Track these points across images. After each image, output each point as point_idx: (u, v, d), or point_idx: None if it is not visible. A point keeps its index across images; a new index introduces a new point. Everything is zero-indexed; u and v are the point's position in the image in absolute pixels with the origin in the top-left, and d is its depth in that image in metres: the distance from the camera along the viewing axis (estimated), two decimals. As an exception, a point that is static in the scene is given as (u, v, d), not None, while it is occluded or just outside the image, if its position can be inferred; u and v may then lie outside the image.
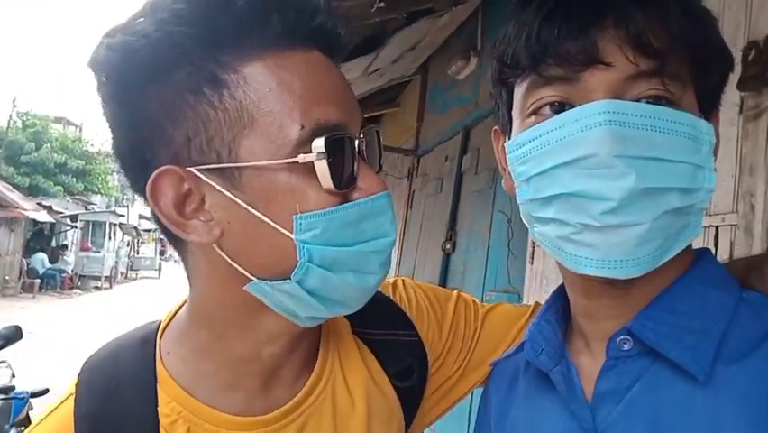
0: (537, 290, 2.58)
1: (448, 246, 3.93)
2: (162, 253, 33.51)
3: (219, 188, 0.60)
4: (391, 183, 6.24)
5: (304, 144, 0.59)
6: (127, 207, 33.52)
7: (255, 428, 0.69)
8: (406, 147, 5.61)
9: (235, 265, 0.63)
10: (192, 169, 0.60)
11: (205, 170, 0.60)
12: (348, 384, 0.77)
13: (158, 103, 0.60)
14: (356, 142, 0.63)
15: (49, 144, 25.37)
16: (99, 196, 29.38)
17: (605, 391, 0.62)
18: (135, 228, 29.68)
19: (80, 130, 35.71)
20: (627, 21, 0.56)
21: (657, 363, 0.60)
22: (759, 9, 1.55)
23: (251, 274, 0.63)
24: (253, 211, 0.60)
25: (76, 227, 23.23)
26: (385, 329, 0.83)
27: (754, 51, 1.50)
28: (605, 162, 0.54)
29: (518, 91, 0.64)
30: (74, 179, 26.26)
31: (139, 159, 0.62)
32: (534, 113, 0.61)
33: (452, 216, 3.98)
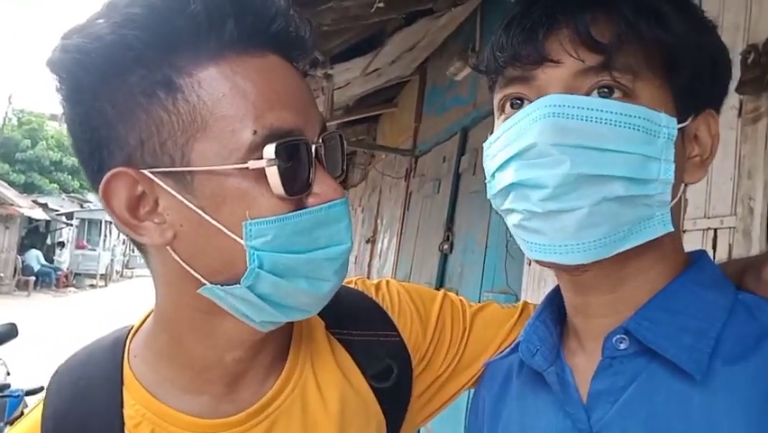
0: (535, 292, 2.58)
1: (445, 247, 3.92)
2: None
3: (171, 191, 0.60)
4: (388, 184, 6.25)
5: (256, 150, 0.59)
6: (123, 205, 33.37)
7: (220, 430, 0.69)
8: (404, 147, 5.61)
9: (188, 268, 0.62)
10: (145, 171, 0.60)
11: (158, 172, 0.60)
12: (320, 386, 0.76)
13: (111, 105, 0.60)
14: (313, 147, 0.62)
15: (44, 142, 25.32)
16: (95, 194, 29.21)
17: (600, 391, 0.62)
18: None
19: (76, 127, 35.55)
20: (574, 21, 0.59)
21: (654, 363, 0.60)
22: (758, 13, 1.56)
23: (204, 278, 0.62)
24: (204, 215, 0.60)
25: (71, 225, 23.17)
26: (363, 330, 0.82)
27: (753, 54, 1.50)
28: (543, 151, 0.57)
29: (494, 95, 0.68)
30: (70, 177, 26.19)
31: (96, 159, 0.62)
32: (502, 112, 0.65)
33: (449, 216, 3.98)
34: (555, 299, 0.73)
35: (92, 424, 0.67)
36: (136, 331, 0.75)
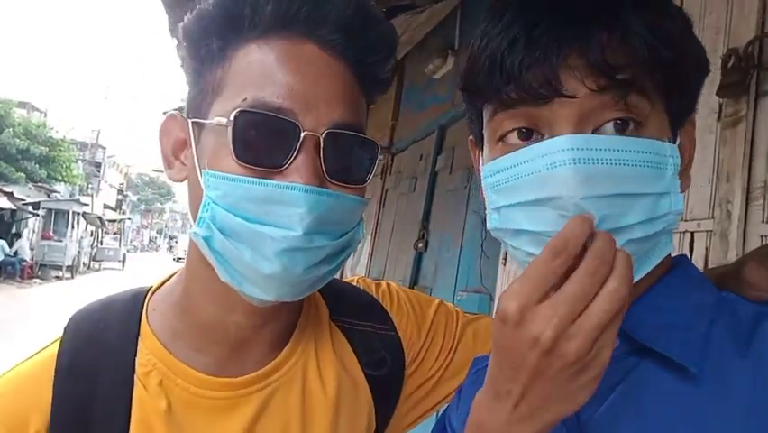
0: (509, 292, 2.58)
1: (420, 245, 3.91)
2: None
3: (192, 140, 0.70)
4: (364, 180, 6.22)
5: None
6: (91, 196, 32.82)
7: (223, 389, 0.73)
8: (381, 144, 5.58)
9: (189, 212, 0.71)
10: (189, 121, 0.71)
11: (192, 122, 0.70)
12: (320, 367, 0.80)
13: (193, 62, 0.72)
14: (302, 133, 0.64)
15: (11, 129, 24.63)
16: (63, 184, 28.61)
17: None
18: (99, 218, 29.05)
19: (45, 116, 34.80)
20: (589, 49, 0.55)
21: (644, 362, 0.59)
22: (739, 17, 1.56)
23: (194, 222, 0.69)
24: (195, 162, 0.69)
25: (38, 215, 22.62)
26: (362, 320, 0.86)
27: (733, 59, 1.50)
28: (569, 206, 0.54)
29: (486, 113, 0.64)
30: (37, 166, 25.53)
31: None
32: (502, 139, 0.61)
33: (425, 214, 3.97)
34: None
35: (105, 366, 0.71)
36: (158, 287, 0.80)
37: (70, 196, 28.61)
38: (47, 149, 25.99)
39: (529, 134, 0.59)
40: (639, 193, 0.55)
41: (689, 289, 0.63)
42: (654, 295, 0.62)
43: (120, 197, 50.84)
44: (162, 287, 0.80)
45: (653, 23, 0.56)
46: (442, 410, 0.86)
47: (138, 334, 0.74)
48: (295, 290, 0.69)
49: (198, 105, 0.70)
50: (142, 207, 71.23)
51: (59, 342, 0.73)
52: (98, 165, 42.81)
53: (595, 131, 0.56)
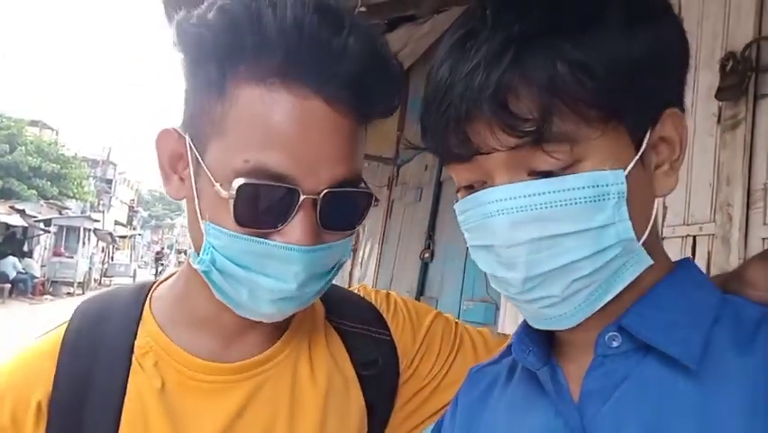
0: (514, 300, 2.57)
1: (426, 255, 3.90)
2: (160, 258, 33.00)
3: (191, 164, 0.71)
4: (371, 192, 6.22)
5: (241, 174, 0.66)
6: (102, 212, 33.08)
7: (214, 373, 0.77)
8: (386, 156, 5.60)
9: (188, 229, 0.75)
10: (186, 136, 0.72)
11: (191, 143, 0.71)
12: (312, 362, 0.82)
13: (190, 80, 0.72)
14: (301, 197, 0.66)
15: (23, 147, 24.96)
16: (74, 200, 28.91)
17: (592, 390, 0.61)
18: (110, 234, 29.26)
19: (57, 134, 35.21)
20: (492, 103, 0.54)
21: (646, 360, 0.59)
22: (736, 20, 1.56)
23: (193, 248, 0.73)
24: (195, 197, 0.71)
25: (49, 232, 22.80)
26: (358, 323, 0.89)
27: (731, 62, 1.50)
28: (501, 254, 0.57)
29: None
30: (48, 183, 25.84)
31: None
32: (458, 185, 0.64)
33: (430, 225, 3.96)
34: None
35: (106, 346, 0.76)
36: (164, 280, 0.86)
37: (81, 212, 28.80)
38: (58, 166, 26.30)
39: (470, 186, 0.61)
40: (574, 231, 0.55)
41: (691, 289, 0.62)
42: (657, 294, 0.61)
43: (131, 213, 51.22)
44: (167, 280, 0.85)
45: (560, 55, 0.54)
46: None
47: (140, 319, 0.79)
48: (288, 314, 0.75)
49: (197, 130, 0.70)
50: (153, 222, 71.69)
51: (67, 323, 0.79)
52: (109, 182, 43.20)
53: (531, 173, 0.56)
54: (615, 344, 0.61)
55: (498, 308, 2.78)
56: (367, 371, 0.85)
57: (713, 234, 1.50)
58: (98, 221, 28.04)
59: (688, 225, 1.57)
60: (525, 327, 0.71)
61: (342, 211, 0.71)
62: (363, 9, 2.50)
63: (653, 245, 0.62)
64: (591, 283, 0.58)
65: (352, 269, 6.51)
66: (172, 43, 0.70)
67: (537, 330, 0.69)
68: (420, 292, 3.93)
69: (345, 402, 0.83)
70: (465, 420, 0.77)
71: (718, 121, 1.54)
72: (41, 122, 35.30)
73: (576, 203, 0.55)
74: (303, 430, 0.78)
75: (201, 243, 0.71)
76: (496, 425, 0.72)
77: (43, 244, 23.24)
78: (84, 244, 23.47)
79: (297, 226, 0.67)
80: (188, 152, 0.71)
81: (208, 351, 0.78)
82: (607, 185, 0.55)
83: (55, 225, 22.94)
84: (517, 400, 0.71)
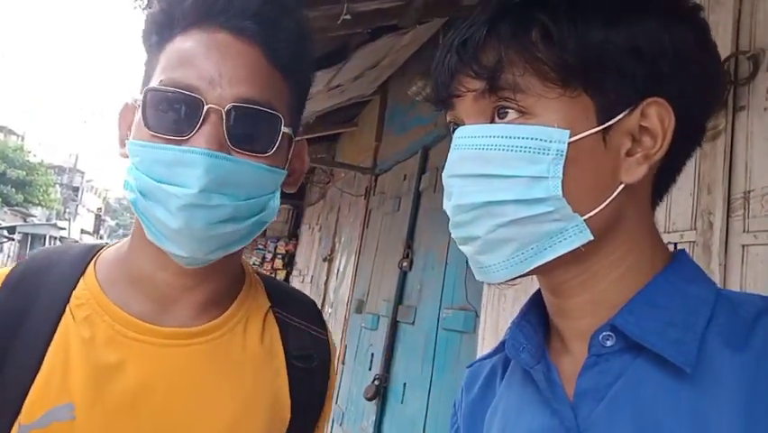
0: (495, 308, 2.59)
1: (405, 264, 3.91)
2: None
3: (135, 116, 0.78)
4: (348, 202, 6.22)
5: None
6: (69, 220, 32.30)
7: (145, 333, 0.79)
8: (364, 166, 5.61)
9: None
10: (138, 100, 0.78)
11: (138, 101, 0.77)
12: (246, 348, 0.85)
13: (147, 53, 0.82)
14: (206, 106, 0.73)
15: (-13, 153, 24.27)
16: (40, 208, 28.19)
17: (586, 389, 0.61)
18: (77, 243, 28.54)
19: (22, 139, 34.37)
20: (466, 57, 0.63)
21: (640, 359, 0.60)
22: (714, 36, 1.61)
23: None
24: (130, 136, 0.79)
25: (13, 240, 22.20)
26: (300, 318, 0.93)
27: (711, 75, 1.55)
28: (445, 182, 0.65)
29: None
30: (13, 190, 25.19)
31: None
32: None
33: (409, 234, 3.97)
34: (538, 300, 0.72)
35: (44, 293, 0.79)
36: (116, 243, 0.89)
37: (47, 220, 28.12)
38: (24, 173, 25.66)
39: (456, 127, 0.68)
40: (506, 175, 0.60)
41: (686, 284, 0.62)
42: (651, 291, 0.62)
43: (97, 221, 50.14)
44: (117, 243, 0.90)
45: (525, 21, 0.61)
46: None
47: (83, 273, 0.82)
48: (203, 245, 0.75)
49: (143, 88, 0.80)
50: (120, 231, 70.29)
51: (16, 264, 0.84)
52: (76, 189, 42.28)
53: (492, 120, 0.63)
54: (609, 343, 0.61)
55: (477, 316, 2.79)
56: (299, 363, 0.89)
57: (694, 242, 1.53)
58: (64, 229, 27.42)
59: (669, 232, 1.60)
60: (519, 322, 0.71)
61: (249, 131, 0.76)
62: (348, 17, 2.52)
63: (646, 235, 0.64)
64: (519, 237, 0.60)
65: (327, 279, 6.48)
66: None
67: (530, 325, 0.70)
68: (399, 301, 3.92)
69: (269, 393, 0.85)
70: (467, 418, 0.78)
71: (699, 132, 1.59)
72: (6, 127, 34.43)
73: (516, 150, 0.59)
74: (216, 412, 0.80)
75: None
76: (494, 421, 0.72)
77: (6, 251, 22.58)
78: (49, 252, 22.81)
79: (201, 135, 0.72)
80: (136, 109, 0.78)
81: (142, 311, 0.80)
82: (549, 141, 0.59)
83: (19, 232, 22.37)
84: (514, 397, 0.71)
